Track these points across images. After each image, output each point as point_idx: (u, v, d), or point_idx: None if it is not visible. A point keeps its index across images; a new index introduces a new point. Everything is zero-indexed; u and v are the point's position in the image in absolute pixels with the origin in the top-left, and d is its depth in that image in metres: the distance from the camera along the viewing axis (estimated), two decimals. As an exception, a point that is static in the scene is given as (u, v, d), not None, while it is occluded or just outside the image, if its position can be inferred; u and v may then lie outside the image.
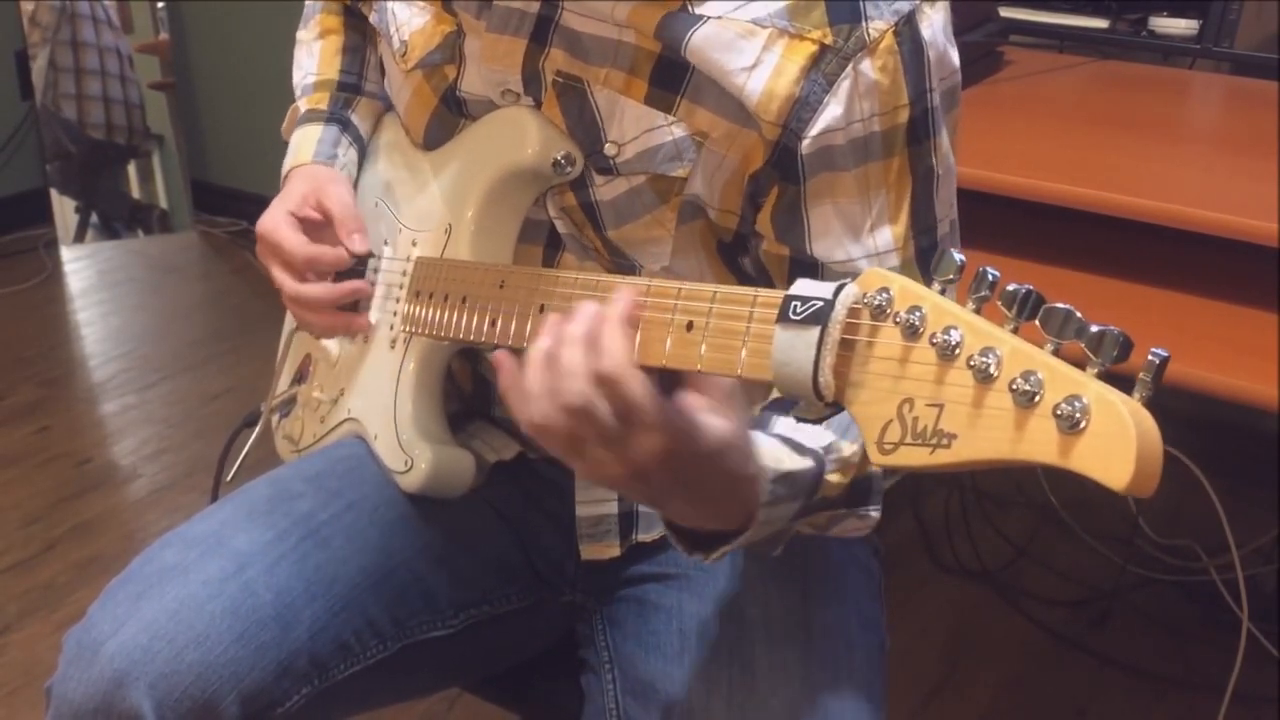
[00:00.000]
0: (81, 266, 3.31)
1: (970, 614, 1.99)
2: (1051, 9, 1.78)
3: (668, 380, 0.71)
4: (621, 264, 0.95)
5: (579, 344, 0.68)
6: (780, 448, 0.78)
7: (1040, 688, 1.84)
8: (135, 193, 3.52)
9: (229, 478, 1.15)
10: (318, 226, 1.03)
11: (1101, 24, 1.74)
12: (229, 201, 3.50)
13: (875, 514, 0.84)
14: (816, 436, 0.80)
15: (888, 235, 0.86)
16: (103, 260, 3.36)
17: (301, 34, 1.19)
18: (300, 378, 1.15)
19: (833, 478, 0.80)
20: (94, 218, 3.45)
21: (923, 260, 0.87)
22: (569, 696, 1.04)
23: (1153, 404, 0.51)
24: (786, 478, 0.76)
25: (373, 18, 1.05)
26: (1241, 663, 1.57)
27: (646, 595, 0.99)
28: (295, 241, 1.00)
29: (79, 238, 3.41)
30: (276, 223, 1.01)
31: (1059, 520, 2.14)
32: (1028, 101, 1.67)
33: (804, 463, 0.78)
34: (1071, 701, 1.81)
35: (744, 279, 0.95)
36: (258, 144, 3.40)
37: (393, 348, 1.01)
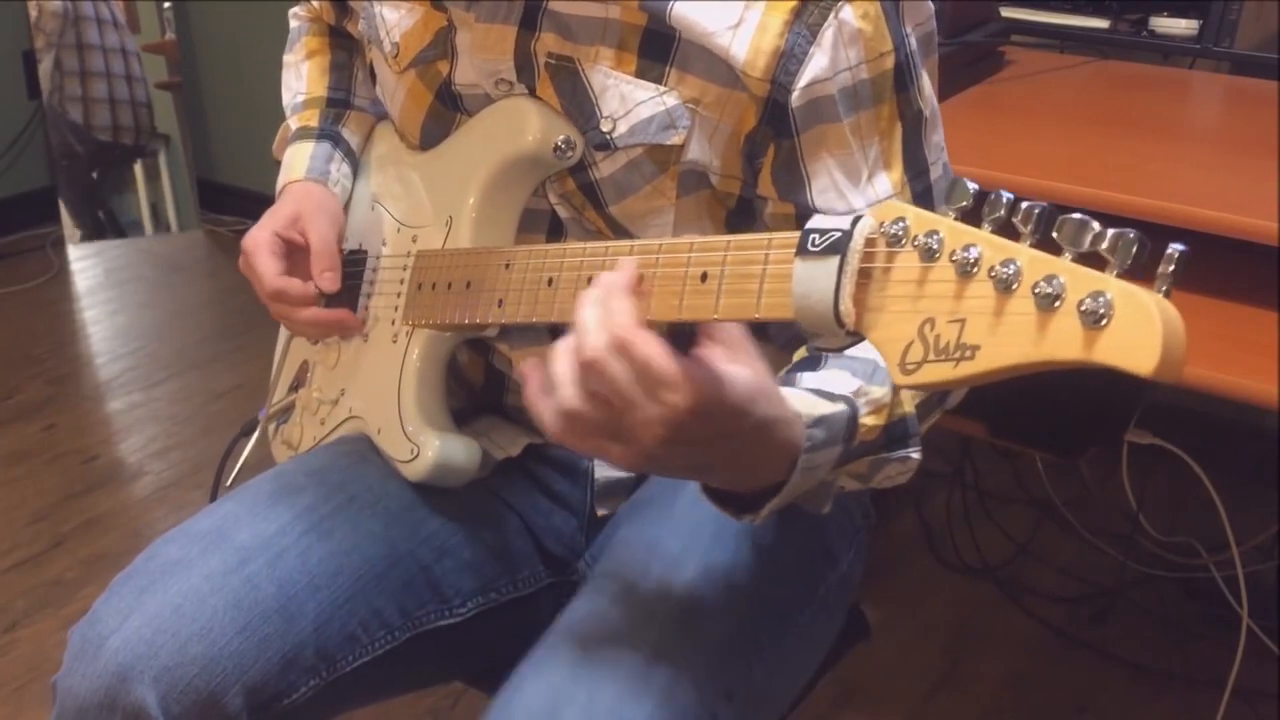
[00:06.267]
0: (88, 265, 3.33)
1: (972, 610, 2.00)
2: (1052, 9, 1.78)
3: (682, 343, 0.70)
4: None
5: (592, 307, 0.69)
6: (810, 397, 0.78)
7: (1041, 684, 1.85)
8: (142, 191, 3.54)
9: (228, 482, 1.16)
10: (299, 249, 1.05)
11: (1102, 24, 1.74)
12: (235, 200, 3.51)
13: (916, 455, 0.84)
14: (844, 384, 0.80)
15: (885, 182, 0.88)
16: (109, 259, 3.38)
17: (288, 57, 1.22)
18: (298, 384, 1.16)
19: (868, 420, 0.80)
20: (101, 216, 3.46)
21: (919, 204, 0.88)
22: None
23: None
24: (823, 421, 0.75)
25: (361, 26, 1.07)
26: (1241, 659, 1.58)
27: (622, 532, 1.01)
28: (268, 270, 1.02)
29: (86, 236, 3.43)
30: (258, 245, 1.03)
31: (1060, 517, 2.14)
32: (1028, 101, 1.67)
33: (837, 406, 0.77)
34: (1072, 697, 1.82)
35: None
36: (263, 143, 3.39)
37: (395, 342, 1.02)
